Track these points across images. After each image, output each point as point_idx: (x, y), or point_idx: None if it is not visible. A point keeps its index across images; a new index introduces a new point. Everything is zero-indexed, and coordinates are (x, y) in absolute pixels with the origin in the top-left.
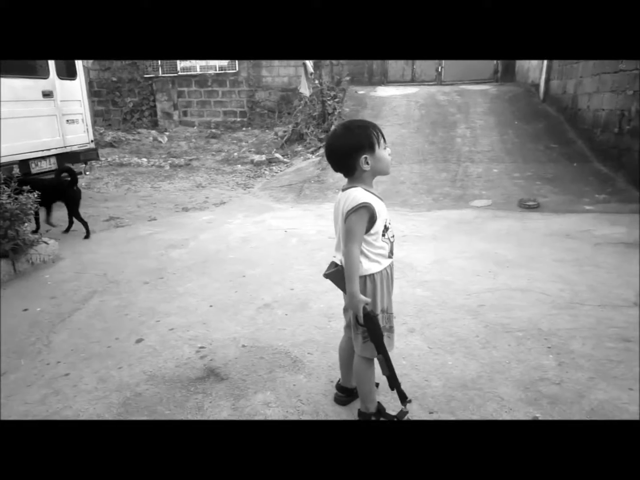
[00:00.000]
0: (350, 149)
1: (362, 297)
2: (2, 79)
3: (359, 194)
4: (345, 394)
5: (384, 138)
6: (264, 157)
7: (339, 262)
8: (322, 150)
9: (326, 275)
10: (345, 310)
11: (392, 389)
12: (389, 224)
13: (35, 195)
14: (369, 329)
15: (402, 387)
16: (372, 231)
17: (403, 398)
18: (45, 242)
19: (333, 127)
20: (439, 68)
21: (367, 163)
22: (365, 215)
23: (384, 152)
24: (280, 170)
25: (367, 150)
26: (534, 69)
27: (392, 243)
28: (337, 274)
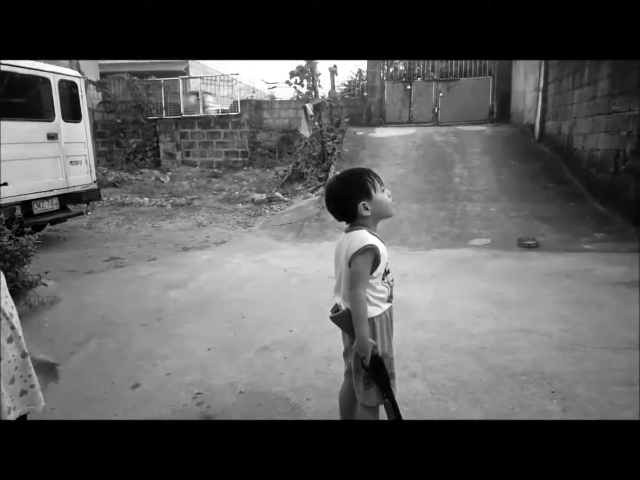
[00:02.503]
0: (346, 200)
1: (371, 340)
2: (7, 123)
3: (364, 236)
4: None
5: (380, 182)
6: (264, 196)
7: (341, 305)
8: (321, 189)
9: (332, 318)
10: (345, 354)
11: None
12: (389, 267)
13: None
14: (375, 372)
15: None
16: (374, 274)
17: None
18: (45, 284)
19: (329, 179)
20: (436, 109)
21: (367, 209)
22: (371, 258)
23: (382, 195)
24: (281, 209)
25: (364, 197)
26: (529, 110)
27: (391, 287)
28: (342, 318)
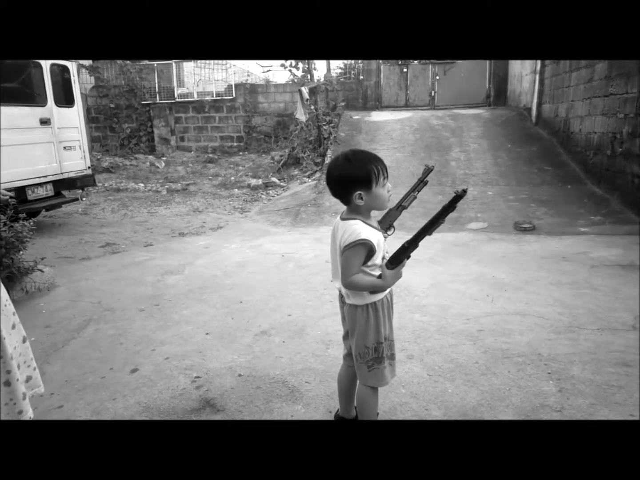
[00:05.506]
0: (345, 182)
1: (390, 272)
2: (0, 108)
3: (358, 228)
4: None
5: (385, 175)
6: (260, 181)
7: (342, 291)
8: (318, 174)
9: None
10: (345, 337)
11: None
12: (387, 253)
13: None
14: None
15: (403, 416)
16: (369, 263)
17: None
18: (41, 270)
19: (338, 153)
20: (432, 93)
21: (361, 199)
22: (362, 252)
23: (381, 190)
24: (277, 194)
25: (363, 186)
26: (526, 93)
27: None
28: (351, 313)
